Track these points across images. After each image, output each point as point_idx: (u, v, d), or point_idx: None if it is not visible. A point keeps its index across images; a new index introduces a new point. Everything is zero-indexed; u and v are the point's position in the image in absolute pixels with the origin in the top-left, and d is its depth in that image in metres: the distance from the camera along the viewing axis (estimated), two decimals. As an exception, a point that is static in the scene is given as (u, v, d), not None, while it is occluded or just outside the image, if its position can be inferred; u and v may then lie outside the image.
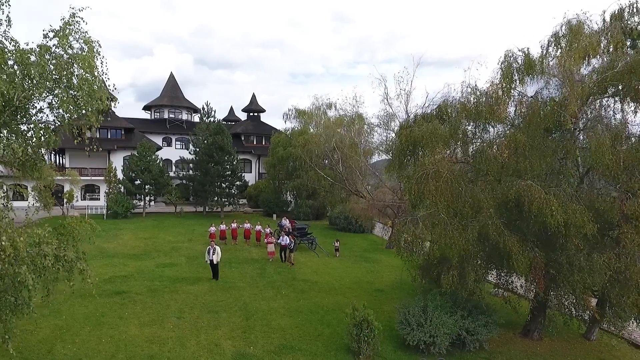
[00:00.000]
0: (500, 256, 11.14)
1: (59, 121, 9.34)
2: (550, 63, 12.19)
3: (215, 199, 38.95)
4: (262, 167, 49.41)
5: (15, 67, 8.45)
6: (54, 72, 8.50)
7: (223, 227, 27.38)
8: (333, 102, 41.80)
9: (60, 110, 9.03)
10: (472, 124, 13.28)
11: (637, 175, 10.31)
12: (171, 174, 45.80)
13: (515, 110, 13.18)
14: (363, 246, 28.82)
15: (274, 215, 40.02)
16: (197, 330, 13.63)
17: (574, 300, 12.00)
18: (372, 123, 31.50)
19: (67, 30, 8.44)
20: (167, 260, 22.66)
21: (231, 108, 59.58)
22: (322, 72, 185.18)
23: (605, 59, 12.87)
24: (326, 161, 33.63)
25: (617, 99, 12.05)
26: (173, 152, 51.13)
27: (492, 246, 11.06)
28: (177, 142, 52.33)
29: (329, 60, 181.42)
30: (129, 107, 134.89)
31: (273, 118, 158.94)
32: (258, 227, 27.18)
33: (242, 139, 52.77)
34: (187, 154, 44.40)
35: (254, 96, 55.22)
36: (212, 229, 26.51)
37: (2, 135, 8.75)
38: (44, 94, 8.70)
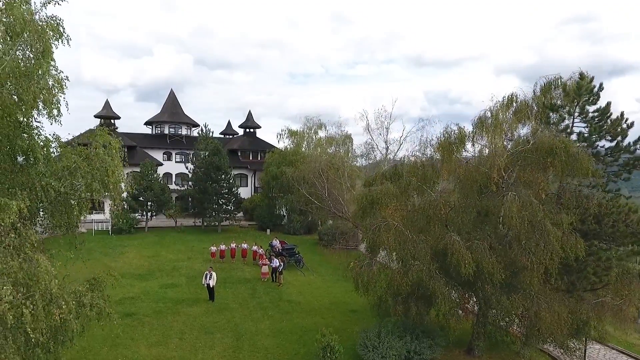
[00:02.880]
0: (431, 295, 14.12)
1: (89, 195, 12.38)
2: (479, 138, 15.16)
3: (213, 214, 41.96)
4: (258, 182, 52.43)
5: (60, 164, 11.48)
6: (87, 168, 11.48)
7: (223, 247, 30.55)
8: (323, 123, 45.38)
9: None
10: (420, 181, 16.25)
11: (536, 235, 13.27)
12: (171, 186, 49.00)
13: (456, 171, 16.16)
14: (346, 263, 31.70)
15: (268, 230, 42.99)
16: (195, 350, 16.61)
17: (496, 327, 15.03)
18: (355, 151, 34.51)
19: (97, 137, 11.44)
20: (169, 280, 25.62)
21: (229, 122, 62.73)
22: (322, 72, 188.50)
23: (529, 127, 15.97)
24: (315, 182, 36.69)
25: (532, 167, 15.03)
26: (173, 166, 54.29)
27: (426, 287, 14.03)
28: (177, 156, 55.40)
29: (328, 61, 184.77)
30: (128, 107, 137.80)
31: (271, 117, 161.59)
32: (254, 248, 30.20)
33: (239, 154, 55.77)
34: (186, 169, 47.47)
35: (250, 113, 58.38)
36: (213, 248, 29.79)
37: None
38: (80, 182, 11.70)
